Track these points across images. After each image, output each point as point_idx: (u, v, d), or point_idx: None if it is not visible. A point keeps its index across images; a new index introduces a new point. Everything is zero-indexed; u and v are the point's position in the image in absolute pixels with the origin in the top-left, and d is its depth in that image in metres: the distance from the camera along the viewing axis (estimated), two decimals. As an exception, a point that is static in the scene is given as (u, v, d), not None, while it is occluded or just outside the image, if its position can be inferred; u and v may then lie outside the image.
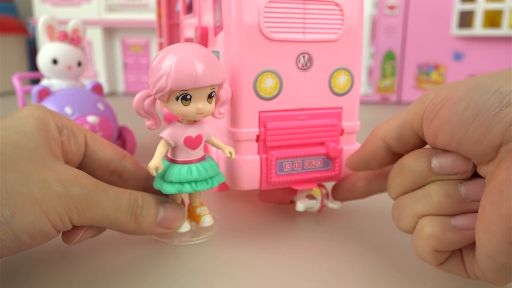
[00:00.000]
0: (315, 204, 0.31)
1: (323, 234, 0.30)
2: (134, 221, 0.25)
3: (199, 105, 0.25)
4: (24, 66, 1.21)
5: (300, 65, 0.29)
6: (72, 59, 0.44)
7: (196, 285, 0.24)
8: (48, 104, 0.41)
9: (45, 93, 0.42)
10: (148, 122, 0.26)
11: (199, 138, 0.26)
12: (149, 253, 0.27)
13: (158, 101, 0.26)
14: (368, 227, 0.32)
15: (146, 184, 0.30)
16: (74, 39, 0.44)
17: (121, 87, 1.14)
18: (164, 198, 0.27)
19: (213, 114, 0.27)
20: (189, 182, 0.26)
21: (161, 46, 0.65)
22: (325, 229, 0.31)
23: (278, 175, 0.29)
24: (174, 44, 0.25)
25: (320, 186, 0.32)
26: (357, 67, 0.31)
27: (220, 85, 0.26)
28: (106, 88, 1.09)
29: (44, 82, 0.45)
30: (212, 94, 0.25)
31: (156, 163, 0.25)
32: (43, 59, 0.43)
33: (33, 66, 1.25)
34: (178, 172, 0.26)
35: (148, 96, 0.25)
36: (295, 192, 0.32)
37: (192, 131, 0.26)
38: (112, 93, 1.14)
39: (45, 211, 0.21)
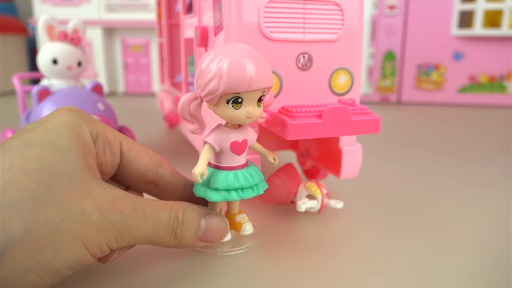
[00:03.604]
0: (315, 205, 0.31)
1: (323, 234, 0.30)
2: (174, 238, 0.24)
3: (249, 108, 0.23)
4: (24, 66, 1.21)
5: (300, 65, 0.29)
6: (72, 59, 0.44)
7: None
8: (48, 104, 0.41)
9: (45, 93, 0.42)
10: (192, 126, 0.25)
11: (244, 143, 0.25)
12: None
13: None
14: (368, 227, 0.32)
15: (183, 193, 0.28)
16: (74, 39, 0.44)
17: (121, 87, 1.14)
18: (207, 209, 0.26)
19: None
20: (236, 189, 0.25)
21: (161, 46, 0.65)
22: (326, 229, 0.31)
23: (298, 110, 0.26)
24: (223, 44, 0.24)
25: (320, 186, 0.32)
26: (357, 67, 0.31)
27: (269, 88, 0.24)
28: (106, 88, 1.09)
29: (44, 82, 0.45)
30: (262, 98, 0.24)
31: (201, 169, 0.23)
32: (43, 59, 0.43)
33: (33, 66, 1.25)
34: (224, 178, 0.25)
35: (195, 98, 0.24)
36: (295, 192, 0.32)
37: (238, 136, 0.25)
38: (112, 93, 1.14)
39: (86, 244, 0.20)
